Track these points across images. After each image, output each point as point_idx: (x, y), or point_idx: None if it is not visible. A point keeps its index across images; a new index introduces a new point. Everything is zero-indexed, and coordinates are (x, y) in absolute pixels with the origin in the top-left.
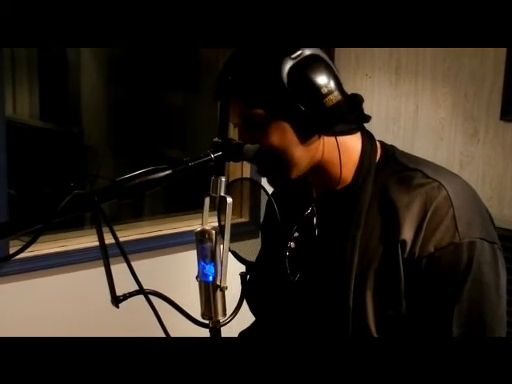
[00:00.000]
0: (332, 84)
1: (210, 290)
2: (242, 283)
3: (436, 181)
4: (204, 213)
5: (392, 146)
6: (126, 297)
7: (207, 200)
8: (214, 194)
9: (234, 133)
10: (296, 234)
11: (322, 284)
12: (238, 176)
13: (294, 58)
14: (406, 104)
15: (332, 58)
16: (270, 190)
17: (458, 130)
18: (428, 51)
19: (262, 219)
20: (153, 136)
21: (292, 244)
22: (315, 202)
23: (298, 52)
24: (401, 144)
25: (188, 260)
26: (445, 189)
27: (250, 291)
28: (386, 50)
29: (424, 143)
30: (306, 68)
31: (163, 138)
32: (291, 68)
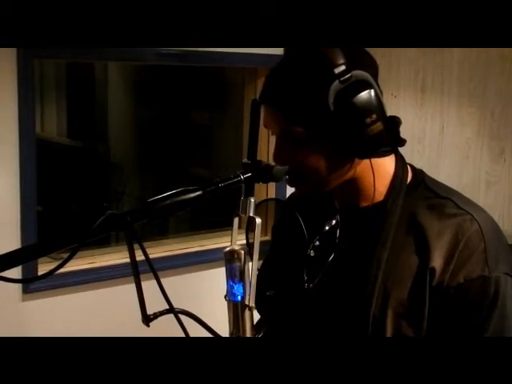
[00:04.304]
0: (376, 114)
1: (238, 310)
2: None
3: (468, 213)
4: (233, 233)
5: (421, 171)
6: (156, 316)
7: (236, 220)
8: (242, 215)
9: (261, 154)
10: (317, 243)
11: (340, 297)
12: (263, 195)
13: (342, 82)
14: (431, 123)
15: None
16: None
17: (484, 149)
18: (454, 70)
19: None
20: (178, 154)
21: (312, 252)
22: (339, 214)
23: (348, 75)
24: (426, 164)
25: (214, 278)
26: (477, 222)
27: (263, 297)
28: (412, 69)
29: (450, 163)
30: (353, 95)
31: (189, 156)
32: (339, 92)
